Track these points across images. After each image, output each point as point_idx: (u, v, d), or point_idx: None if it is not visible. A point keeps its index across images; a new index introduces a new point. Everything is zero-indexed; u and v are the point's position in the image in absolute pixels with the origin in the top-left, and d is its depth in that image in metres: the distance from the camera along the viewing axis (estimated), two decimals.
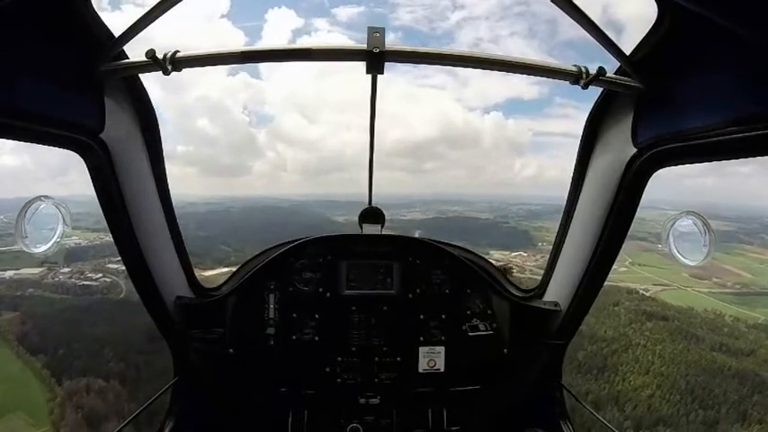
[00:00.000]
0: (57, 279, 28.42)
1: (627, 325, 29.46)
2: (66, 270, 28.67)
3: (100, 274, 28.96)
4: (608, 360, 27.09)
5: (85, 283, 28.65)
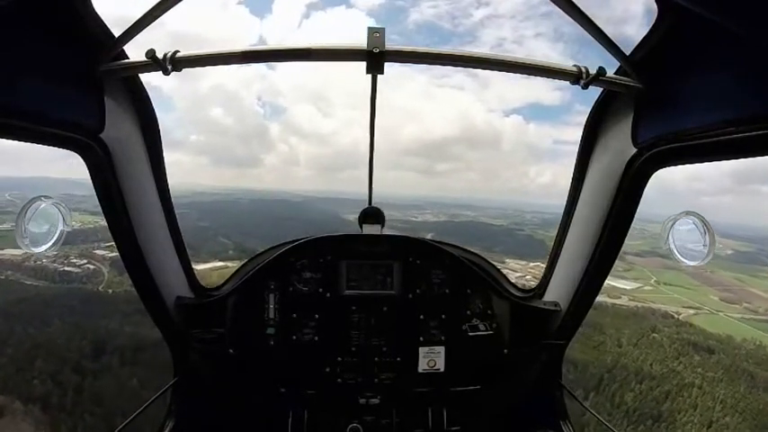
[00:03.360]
0: (39, 263, 26.64)
1: (674, 358, 26.02)
2: (51, 254, 26.63)
3: (85, 260, 27.54)
4: (662, 406, 23.10)
5: (67, 269, 27.14)
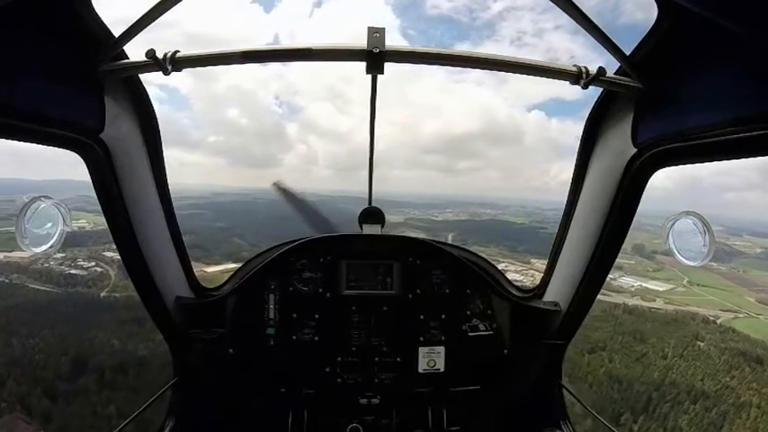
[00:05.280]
0: (46, 265, 25.32)
1: (726, 372, 23.03)
2: (59, 256, 25.20)
3: (93, 263, 26.42)
4: (721, 430, 20.38)
5: (73, 272, 25.90)
